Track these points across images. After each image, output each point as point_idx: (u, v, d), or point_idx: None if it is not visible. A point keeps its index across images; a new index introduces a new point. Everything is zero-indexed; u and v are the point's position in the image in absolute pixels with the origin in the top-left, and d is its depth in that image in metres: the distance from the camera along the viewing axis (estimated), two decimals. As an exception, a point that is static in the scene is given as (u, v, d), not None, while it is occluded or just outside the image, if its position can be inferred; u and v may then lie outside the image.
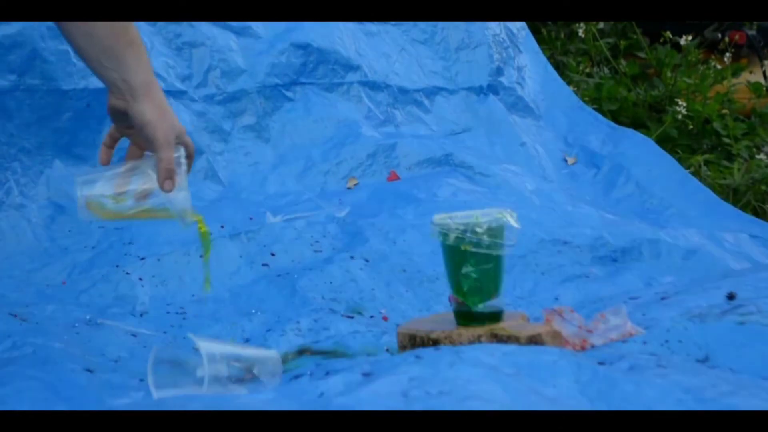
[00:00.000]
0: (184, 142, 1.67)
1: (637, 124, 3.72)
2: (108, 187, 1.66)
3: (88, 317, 1.96)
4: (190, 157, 1.69)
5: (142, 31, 2.71)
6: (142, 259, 2.22)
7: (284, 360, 1.69)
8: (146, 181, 1.65)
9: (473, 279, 1.66)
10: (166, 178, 1.63)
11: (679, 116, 3.66)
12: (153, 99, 1.63)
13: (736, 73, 4.04)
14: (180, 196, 1.65)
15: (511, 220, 1.67)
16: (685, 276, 2.35)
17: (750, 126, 3.82)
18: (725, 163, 3.54)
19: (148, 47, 2.70)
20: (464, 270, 1.66)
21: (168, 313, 2.06)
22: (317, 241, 2.35)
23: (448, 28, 3.29)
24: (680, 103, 3.68)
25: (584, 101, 3.59)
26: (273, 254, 2.29)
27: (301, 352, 1.80)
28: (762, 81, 4.15)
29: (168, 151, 1.63)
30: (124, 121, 1.67)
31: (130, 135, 1.69)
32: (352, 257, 2.24)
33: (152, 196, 1.66)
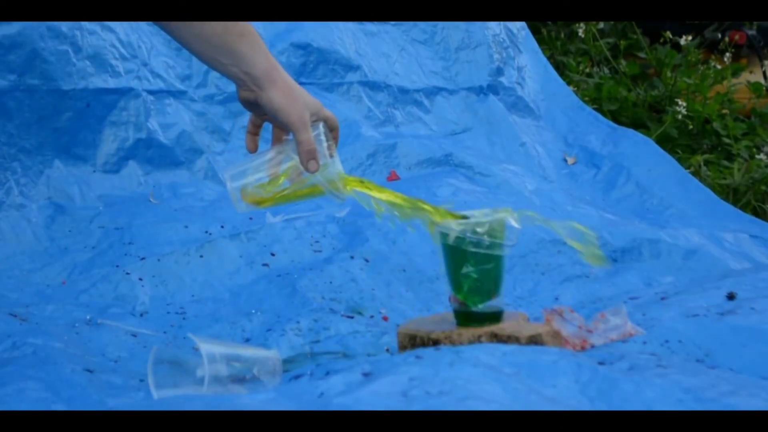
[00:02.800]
0: (324, 117, 1.67)
1: (637, 124, 3.72)
2: (260, 174, 1.67)
3: (88, 317, 1.96)
4: (334, 129, 1.69)
5: (141, 31, 2.72)
6: (142, 259, 2.22)
7: (286, 369, 1.69)
8: (293, 163, 1.65)
9: (473, 279, 1.66)
10: (309, 159, 1.63)
11: (679, 116, 3.66)
12: (279, 84, 1.64)
13: (736, 73, 4.04)
14: (326, 173, 1.65)
15: (512, 220, 1.67)
16: (685, 276, 2.35)
17: (750, 126, 3.82)
18: (725, 163, 3.54)
19: (148, 47, 2.70)
20: (464, 270, 1.66)
21: (168, 313, 2.06)
22: (317, 241, 2.35)
23: (448, 28, 3.29)
24: (680, 103, 3.68)
25: (584, 101, 3.59)
26: (273, 254, 2.29)
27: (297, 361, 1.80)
28: (762, 81, 4.15)
29: (305, 133, 1.63)
30: (258, 110, 1.68)
31: (269, 120, 1.70)
32: (352, 257, 2.24)
33: (304, 175, 1.66)
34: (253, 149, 1.72)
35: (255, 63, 1.63)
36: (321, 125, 1.66)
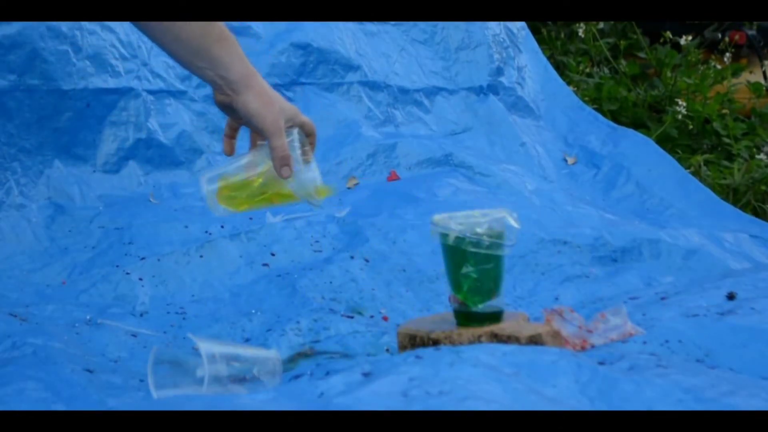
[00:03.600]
0: (300, 123, 1.67)
1: (637, 124, 3.72)
2: (236, 178, 1.67)
3: (88, 317, 1.96)
4: (311, 135, 1.69)
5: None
6: (142, 259, 2.22)
7: (291, 366, 1.69)
8: (269, 168, 1.66)
9: (473, 279, 1.66)
10: (282, 165, 1.63)
11: (679, 116, 3.66)
12: (254, 89, 1.64)
13: (736, 73, 4.03)
14: (301, 179, 1.65)
15: (511, 220, 1.67)
16: (685, 276, 2.35)
17: (750, 126, 3.82)
18: (725, 163, 3.54)
19: (148, 47, 2.70)
20: (464, 270, 1.66)
21: (168, 313, 2.06)
22: (317, 241, 2.35)
23: (448, 28, 3.29)
24: (680, 103, 3.68)
25: (584, 101, 3.59)
26: (273, 254, 2.29)
27: (303, 354, 1.80)
28: (762, 81, 4.15)
29: (279, 139, 1.63)
30: (234, 114, 1.68)
31: (245, 125, 1.70)
32: (352, 257, 2.24)
33: (279, 180, 1.66)
34: (229, 152, 1.72)
35: (231, 67, 1.64)
36: (296, 131, 1.65)
